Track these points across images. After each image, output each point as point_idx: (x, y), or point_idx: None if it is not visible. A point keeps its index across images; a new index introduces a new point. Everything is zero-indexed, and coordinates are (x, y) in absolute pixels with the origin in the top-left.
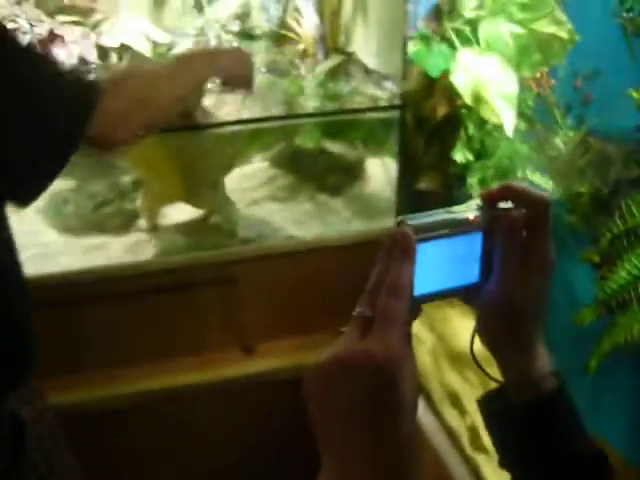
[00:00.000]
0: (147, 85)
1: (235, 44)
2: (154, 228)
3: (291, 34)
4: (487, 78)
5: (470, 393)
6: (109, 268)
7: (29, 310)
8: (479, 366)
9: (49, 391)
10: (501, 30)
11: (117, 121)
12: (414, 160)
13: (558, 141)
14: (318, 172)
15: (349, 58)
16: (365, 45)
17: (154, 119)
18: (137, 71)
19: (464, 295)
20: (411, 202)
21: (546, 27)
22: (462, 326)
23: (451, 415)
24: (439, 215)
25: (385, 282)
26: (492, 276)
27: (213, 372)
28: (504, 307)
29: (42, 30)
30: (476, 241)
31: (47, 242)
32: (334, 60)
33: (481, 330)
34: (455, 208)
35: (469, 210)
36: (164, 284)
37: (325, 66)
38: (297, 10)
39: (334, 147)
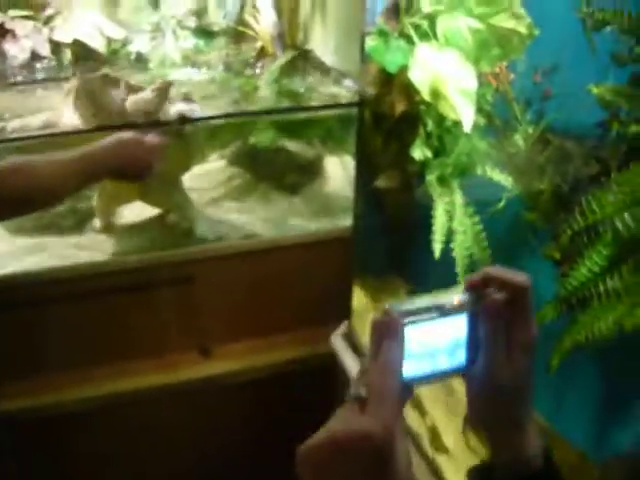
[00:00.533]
0: (37, 183)
1: (192, 41)
2: (110, 228)
3: (249, 31)
4: (445, 73)
5: (431, 394)
6: (64, 268)
7: None
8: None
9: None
10: (459, 25)
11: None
12: (372, 158)
13: (517, 137)
14: (275, 171)
15: (306, 54)
16: (323, 43)
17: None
18: (31, 165)
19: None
20: (369, 200)
21: (505, 22)
22: None
23: (412, 416)
24: (424, 301)
25: (377, 363)
26: (478, 359)
27: (171, 374)
28: (492, 389)
29: None
30: (462, 325)
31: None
32: (288, 55)
33: (471, 412)
34: (440, 294)
35: (453, 295)
36: (121, 284)
37: (280, 62)
38: (255, 7)
39: (291, 145)
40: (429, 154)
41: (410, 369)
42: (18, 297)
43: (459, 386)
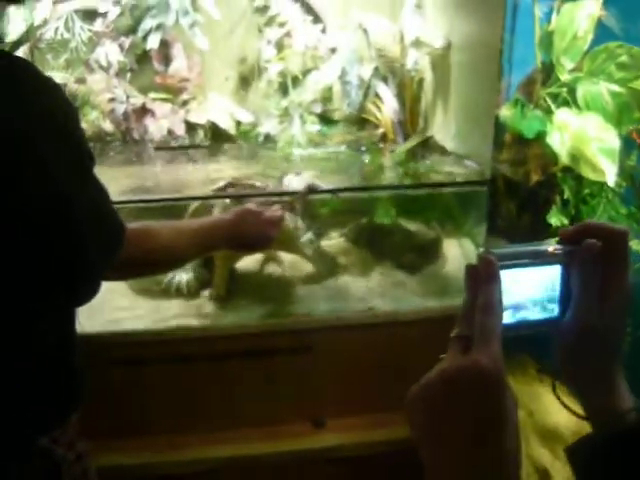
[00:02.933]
0: (161, 247)
1: (317, 126)
2: (225, 295)
3: (371, 118)
4: (587, 134)
5: (561, 469)
6: (181, 330)
7: (77, 351)
8: (562, 403)
9: (115, 450)
10: (600, 89)
11: (123, 266)
12: (506, 227)
13: None
14: (393, 249)
15: (428, 140)
16: (444, 128)
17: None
18: (157, 230)
19: (544, 330)
20: None
21: None
22: (552, 403)
23: None
24: (520, 247)
25: (477, 303)
26: (571, 309)
27: (283, 444)
28: (583, 340)
29: (136, 102)
30: (556, 274)
31: (121, 302)
32: (413, 140)
33: (562, 365)
34: (536, 243)
35: (549, 245)
36: (238, 350)
37: (405, 146)
38: (377, 96)
39: (410, 225)
40: (566, 222)
41: (505, 314)
42: (134, 355)
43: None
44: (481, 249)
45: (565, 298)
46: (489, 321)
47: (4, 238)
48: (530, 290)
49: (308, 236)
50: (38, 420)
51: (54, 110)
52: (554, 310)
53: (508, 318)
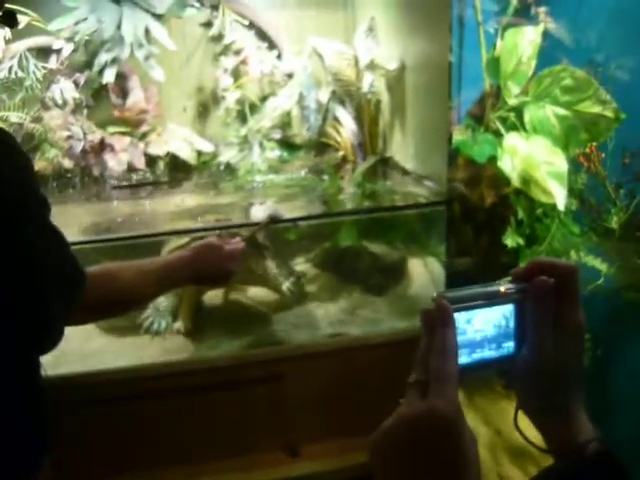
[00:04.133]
0: (122, 289)
1: (277, 152)
2: (195, 326)
3: (331, 142)
4: (535, 158)
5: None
6: (152, 366)
7: (45, 397)
8: (525, 438)
9: None
10: (546, 113)
11: (85, 310)
12: (464, 250)
13: (612, 219)
14: (359, 272)
15: (386, 161)
16: (403, 149)
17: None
18: (117, 272)
19: (501, 368)
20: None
21: (591, 107)
22: (522, 419)
23: None
24: (472, 289)
25: (433, 348)
26: (526, 345)
27: (257, 474)
28: (540, 374)
29: (94, 138)
30: (509, 312)
31: (89, 341)
32: (370, 160)
33: (521, 400)
34: (488, 284)
35: (501, 284)
36: (209, 382)
37: (362, 167)
38: (336, 119)
39: (374, 247)
40: (521, 242)
41: (461, 355)
42: (106, 394)
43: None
44: (434, 293)
45: (520, 335)
46: (444, 365)
47: None
48: (485, 329)
49: (289, 282)
50: (12, 469)
51: (10, 163)
52: (510, 347)
53: (465, 358)
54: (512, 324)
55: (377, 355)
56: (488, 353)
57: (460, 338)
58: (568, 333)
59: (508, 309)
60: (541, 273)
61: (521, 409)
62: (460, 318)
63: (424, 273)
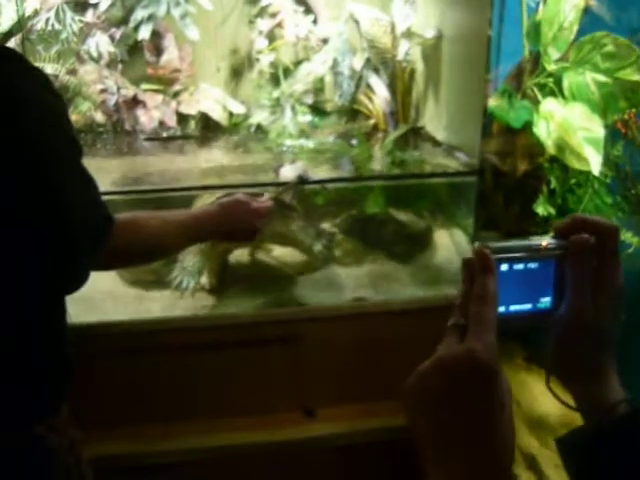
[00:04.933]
0: (148, 238)
1: (308, 117)
2: (219, 284)
3: (363, 109)
4: (572, 124)
5: (549, 457)
6: (172, 320)
7: (69, 340)
8: (557, 397)
9: (107, 440)
10: (586, 80)
11: (111, 256)
12: (495, 217)
13: None
14: (384, 239)
15: (418, 130)
16: (435, 119)
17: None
18: (144, 221)
19: (537, 324)
20: None
21: (631, 75)
22: (540, 391)
23: (528, 478)
24: (514, 241)
25: (473, 293)
26: (564, 303)
27: (274, 433)
28: (576, 333)
29: (127, 94)
30: (549, 268)
31: (112, 292)
32: (402, 129)
33: (555, 357)
34: (530, 237)
35: (543, 239)
36: (229, 339)
37: (393, 135)
38: (369, 87)
39: (401, 215)
40: (552, 211)
41: (500, 307)
42: (125, 344)
43: None
44: (477, 243)
45: (558, 291)
46: (484, 311)
47: None
48: (524, 283)
49: (321, 243)
50: (34, 407)
51: (44, 100)
52: (547, 303)
53: (502, 309)
54: (551, 280)
55: (397, 322)
56: (525, 306)
57: (500, 287)
58: (607, 292)
59: (548, 264)
60: (583, 230)
61: (552, 367)
62: (500, 269)
63: (450, 244)
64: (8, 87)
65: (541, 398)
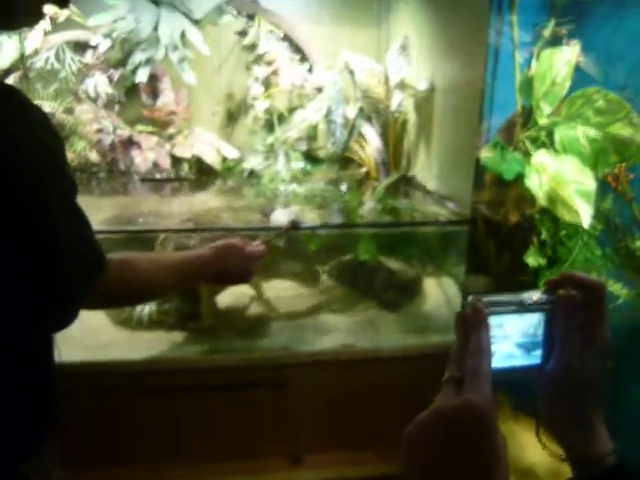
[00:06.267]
0: (140, 278)
1: (301, 164)
2: (211, 326)
3: (355, 157)
4: (564, 176)
5: None
6: (159, 361)
7: (56, 379)
8: (546, 448)
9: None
10: (577, 133)
11: (102, 296)
12: (484, 267)
13: (637, 242)
14: (374, 286)
15: (410, 180)
16: (426, 169)
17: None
18: (137, 261)
19: (528, 376)
20: None
21: (622, 130)
22: (529, 441)
23: None
24: (505, 295)
25: (468, 347)
26: (553, 357)
27: (259, 479)
28: (564, 388)
29: (122, 134)
30: (539, 322)
31: (101, 333)
32: (393, 177)
33: (544, 409)
34: (520, 291)
35: (533, 293)
36: (216, 383)
37: (384, 183)
38: (362, 135)
39: (392, 263)
40: (543, 262)
41: (492, 359)
42: (112, 385)
43: None
44: (471, 296)
45: (549, 345)
46: (480, 364)
47: None
48: (515, 336)
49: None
50: (19, 447)
51: (41, 137)
52: (538, 356)
53: (495, 362)
54: (541, 333)
55: (386, 369)
56: (517, 359)
57: (492, 341)
58: (594, 348)
59: (538, 318)
60: (572, 286)
61: (542, 420)
62: (492, 322)
63: (439, 292)
64: (5, 123)
65: (529, 448)
